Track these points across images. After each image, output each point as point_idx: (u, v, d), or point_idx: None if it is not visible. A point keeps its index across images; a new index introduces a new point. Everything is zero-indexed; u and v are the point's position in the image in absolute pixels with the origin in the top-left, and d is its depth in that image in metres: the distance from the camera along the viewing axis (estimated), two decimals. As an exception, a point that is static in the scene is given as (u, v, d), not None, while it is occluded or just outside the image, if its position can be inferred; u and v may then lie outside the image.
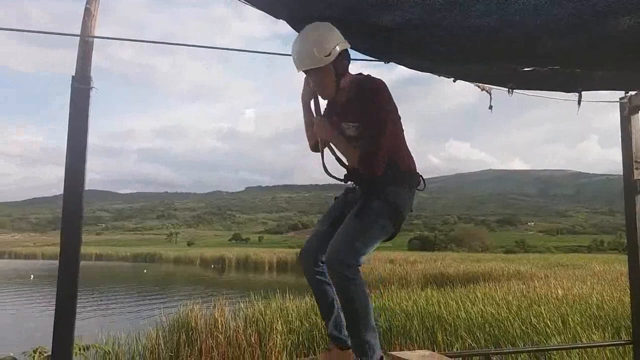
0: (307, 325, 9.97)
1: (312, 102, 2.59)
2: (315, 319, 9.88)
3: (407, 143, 2.54)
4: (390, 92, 2.39)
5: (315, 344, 9.25)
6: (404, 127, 2.51)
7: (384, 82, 2.38)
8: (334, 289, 2.41)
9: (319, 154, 2.58)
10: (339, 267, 2.25)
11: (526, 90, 3.42)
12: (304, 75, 2.50)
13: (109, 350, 8.14)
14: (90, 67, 2.08)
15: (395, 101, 2.40)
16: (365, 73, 2.49)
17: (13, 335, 12.93)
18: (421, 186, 2.51)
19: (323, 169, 2.55)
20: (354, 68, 2.54)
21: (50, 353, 1.96)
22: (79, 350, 5.66)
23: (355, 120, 2.42)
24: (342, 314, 2.44)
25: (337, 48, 2.32)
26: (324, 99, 2.54)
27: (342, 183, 2.58)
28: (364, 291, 2.31)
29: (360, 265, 2.30)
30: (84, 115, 2.05)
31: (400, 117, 2.48)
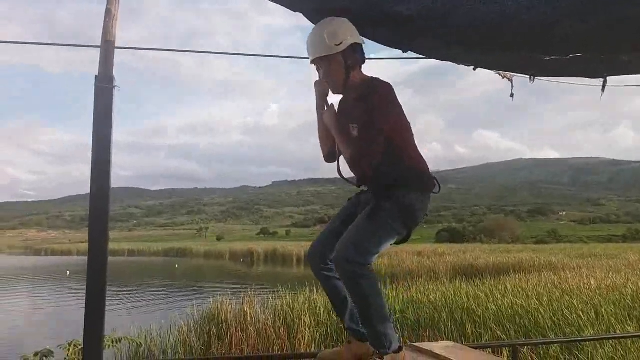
0: (335, 318, 10.01)
1: (325, 105, 2.54)
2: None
3: (417, 146, 2.46)
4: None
5: (343, 337, 9.30)
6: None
7: (389, 85, 2.33)
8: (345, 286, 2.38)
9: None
10: (346, 265, 2.21)
11: (549, 78, 3.34)
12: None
13: (140, 343, 8.32)
14: (113, 67, 2.10)
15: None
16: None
17: (55, 329, 13.39)
18: (436, 189, 2.44)
19: (337, 173, 2.54)
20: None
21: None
22: (112, 342, 5.80)
23: (356, 121, 2.38)
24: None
25: (349, 40, 2.34)
26: (334, 92, 2.51)
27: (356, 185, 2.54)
28: (375, 284, 2.27)
29: (369, 264, 2.26)
30: (108, 114, 2.07)
31: (406, 118, 2.42)
